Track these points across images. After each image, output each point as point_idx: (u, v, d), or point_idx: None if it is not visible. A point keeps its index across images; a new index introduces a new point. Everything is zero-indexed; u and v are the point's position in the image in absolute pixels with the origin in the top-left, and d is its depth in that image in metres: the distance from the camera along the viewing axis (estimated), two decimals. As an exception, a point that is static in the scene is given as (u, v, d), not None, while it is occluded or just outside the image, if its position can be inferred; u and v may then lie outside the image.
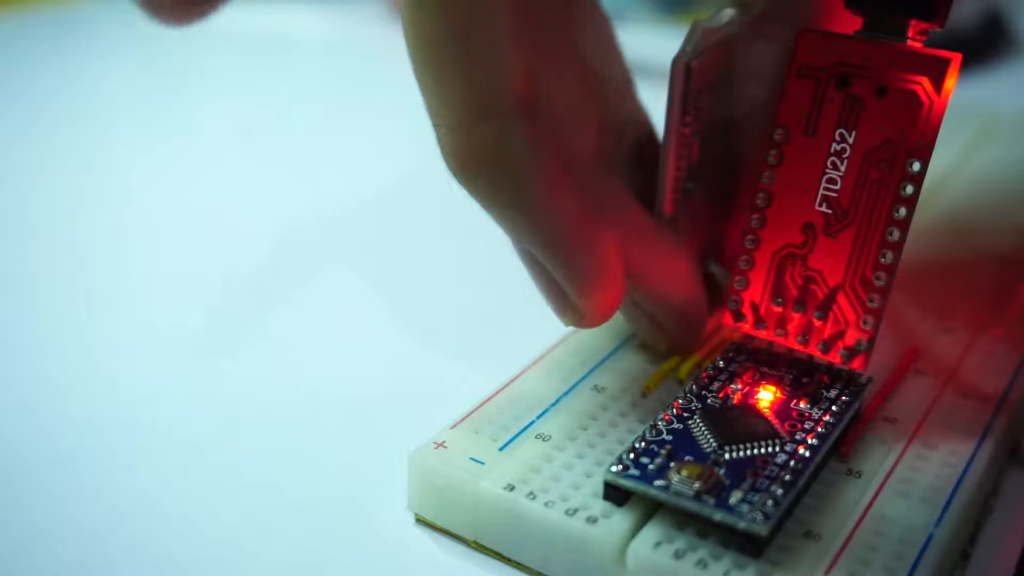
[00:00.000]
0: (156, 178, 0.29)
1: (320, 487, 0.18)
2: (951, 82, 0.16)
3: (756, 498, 0.15)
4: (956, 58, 0.16)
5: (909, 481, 0.16)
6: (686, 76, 0.17)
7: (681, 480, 0.15)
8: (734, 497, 0.15)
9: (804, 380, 0.18)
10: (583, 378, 0.19)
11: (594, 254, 0.16)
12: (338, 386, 0.21)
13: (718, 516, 0.15)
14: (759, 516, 0.15)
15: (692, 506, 0.15)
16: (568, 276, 0.16)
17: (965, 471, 0.16)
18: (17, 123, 0.31)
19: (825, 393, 0.17)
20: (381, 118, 0.33)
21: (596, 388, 0.18)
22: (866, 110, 0.17)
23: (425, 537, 0.17)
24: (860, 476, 0.16)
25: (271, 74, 0.36)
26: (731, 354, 0.18)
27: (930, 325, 0.20)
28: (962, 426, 0.17)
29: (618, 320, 0.20)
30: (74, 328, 0.22)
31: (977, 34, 0.35)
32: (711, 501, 0.15)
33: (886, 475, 0.16)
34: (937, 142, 0.27)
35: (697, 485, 0.15)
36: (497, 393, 0.18)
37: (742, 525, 0.15)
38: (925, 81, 0.16)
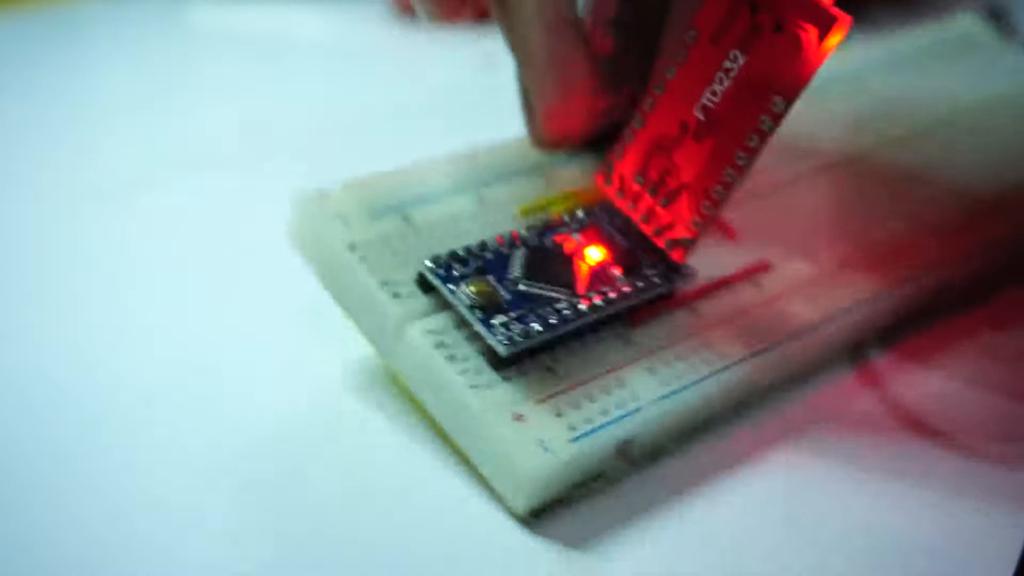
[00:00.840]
0: (156, 178, 0.29)
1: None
2: (834, 40, 0.17)
3: (516, 327, 0.18)
4: (845, 19, 0.17)
5: (666, 363, 0.19)
6: None
7: (466, 290, 0.18)
8: (497, 319, 0.18)
9: (634, 254, 0.20)
10: (474, 185, 0.21)
11: None
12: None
13: (477, 327, 0.18)
14: (506, 339, 0.18)
15: (465, 314, 0.18)
16: None
17: (718, 373, 0.19)
18: (16, 123, 0.31)
19: (643, 270, 0.20)
20: (381, 118, 0.33)
21: (480, 198, 0.21)
22: (761, 40, 0.18)
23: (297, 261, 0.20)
24: (632, 345, 0.19)
25: (271, 74, 0.36)
26: (595, 209, 0.21)
27: (806, 248, 0.22)
28: (748, 339, 0.20)
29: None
30: (74, 327, 0.22)
31: None
32: (479, 315, 0.18)
33: (651, 351, 0.19)
34: (978, 83, 0.27)
35: (476, 299, 0.18)
36: (394, 173, 0.21)
37: (489, 340, 0.18)
38: (813, 31, 0.17)
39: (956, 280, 0.23)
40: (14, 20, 0.38)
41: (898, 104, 0.27)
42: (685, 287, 0.20)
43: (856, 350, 0.22)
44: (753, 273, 0.21)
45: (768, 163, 0.22)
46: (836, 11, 0.17)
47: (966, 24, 0.31)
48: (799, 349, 0.20)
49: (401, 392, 0.20)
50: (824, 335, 0.20)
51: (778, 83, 0.18)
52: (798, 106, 0.18)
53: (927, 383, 0.21)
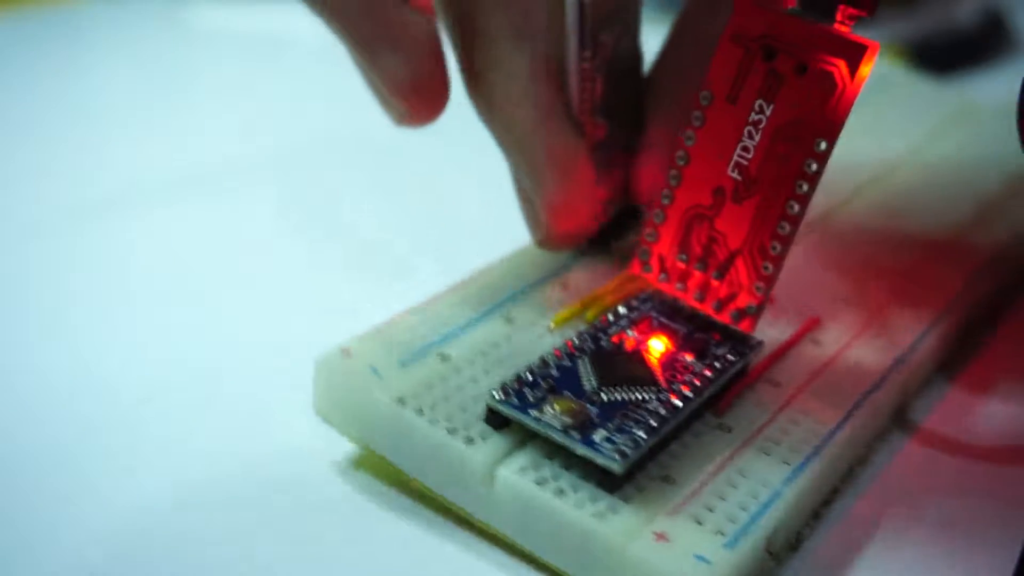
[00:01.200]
0: (156, 178, 0.28)
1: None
2: (866, 69, 0.17)
3: (619, 438, 0.16)
4: (874, 46, 0.17)
5: (774, 441, 0.17)
6: (580, 8, 0.18)
7: (553, 413, 0.16)
8: (599, 435, 0.16)
9: (697, 336, 0.19)
10: (496, 307, 0.20)
11: (402, 54, 0.17)
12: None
13: (580, 450, 0.16)
14: (616, 455, 0.16)
15: (559, 438, 0.16)
16: (377, 76, 0.18)
17: (829, 438, 0.17)
18: (16, 123, 0.31)
19: (713, 350, 0.18)
20: (380, 118, 0.33)
21: (506, 319, 0.19)
22: (785, 85, 0.17)
23: (328, 435, 0.18)
24: (730, 431, 0.18)
25: (271, 74, 0.36)
26: (635, 302, 0.19)
27: (841, 298, 0.21)
28: (838, 396, 0.18)
29: (542, 256, 0.21)
30: (74, 328, 0.22)
31: (977, 33, 0.35)
32: (577, 436, 0.16)
33: (754, 433, 0.17)
34: (905, 123, 0.28)
35: (566, 420, 0.16)
36: (410, 311, 0.19)
37: (600, 461, 0.16)
38: (842, 64, 0.17)
39: (985, 296, 0.23)
40: (14, 20, 0.37)
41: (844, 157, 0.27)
42: (756, 359, 0.19)
43: (924, 387, 0.21)
44: (808, 331, 0.20)
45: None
46: (863, 39, 0.17)
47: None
48: (885, 396, 0.19)
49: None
50: (901, 376, 0.19)
51: (816, 124, 0.17)
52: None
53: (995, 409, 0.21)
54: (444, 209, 0.28)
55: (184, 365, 0.21)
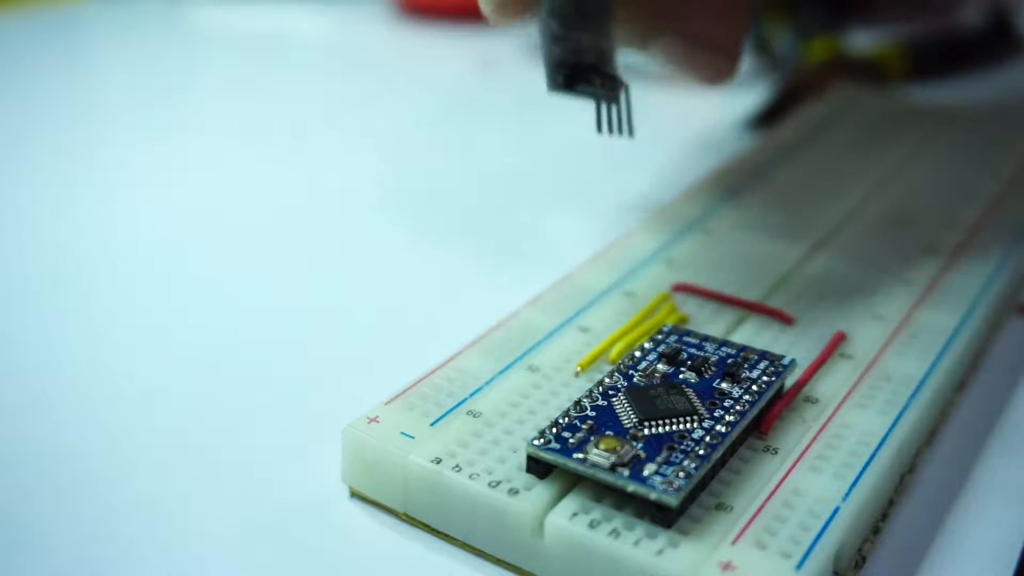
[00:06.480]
0: (156, 178, 0.29)
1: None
2: None
3: (669, 471, 0.16)
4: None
5: (823, 457, 0.17)
6: None
7: (598, 453, 0.16)
8: (648, 469, 0.16)
9: (729, 362, 0.18)
10: (519, 358, 0.19)
11: None
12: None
13: (631, 487, 0.15)
14: (670, 488, 0.15)
15: (607, 478, 0.16)
16: None
17: (878, 449, 0.17)
18: (17, 123, 0.31)
19: (748, 374, 0.18)
20: (381, 117, 0.33)
21: (530, 368, 0.19)
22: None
23: (359, 511, 0.17)
24: (776, 452, 0.17)
25: (271, 74, 0.36)
26: (660, 336, 0.19)
27: (863, 311, 0.21)
28: (880, 407, 0.18)
29: (557, 303, 0.21)
30: (73, 327, 0.22)
31: (983, 35, 0.35)
32: (625, 473, 0.15)
33: (802, 452, 0.17)
34: (888, 139, 0.28)
35: (613, 458, 0.16)
36: (434, 371, 0.19)
37: (653, 496, 0.15)
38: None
39: (1006, 289, 0.22)
40: (14, 20, 0.37)
41: (842, 172, 0.27)
42: (790, 378, 0.18)
43: (964, 389, 0.21)
44: (837, 347, 0.20)
45: (773, 252, 0.22)
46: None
47: (840, 99, 0.32)
48: (926, 402, 0.19)
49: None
50: (938, 381, 0.19)
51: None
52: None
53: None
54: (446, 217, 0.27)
55: (191, 362, 0.21)
